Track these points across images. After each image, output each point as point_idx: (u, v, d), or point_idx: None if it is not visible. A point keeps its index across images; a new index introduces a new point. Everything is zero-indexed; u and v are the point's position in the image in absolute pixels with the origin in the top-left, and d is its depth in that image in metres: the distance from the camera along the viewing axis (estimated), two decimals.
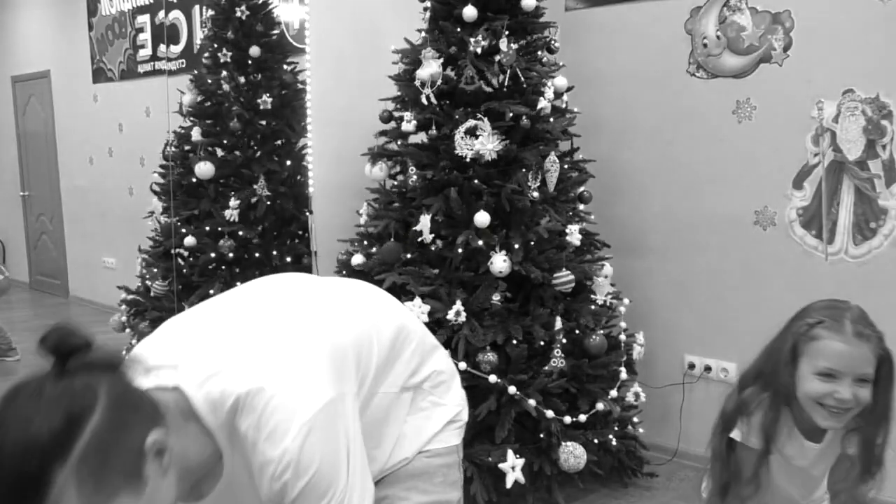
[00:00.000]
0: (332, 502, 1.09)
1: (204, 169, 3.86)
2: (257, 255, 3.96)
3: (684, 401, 3.39)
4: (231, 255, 3.87)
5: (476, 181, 2.89)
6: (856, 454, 1.60)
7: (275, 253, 4.00)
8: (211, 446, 1.06)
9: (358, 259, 3.06)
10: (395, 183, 3.15)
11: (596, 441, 2.95)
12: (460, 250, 2.87)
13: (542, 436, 2.87)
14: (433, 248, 2.95)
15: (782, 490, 1.66)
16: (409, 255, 2.97)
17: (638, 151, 3.46)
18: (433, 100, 2.96)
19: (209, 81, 3.99)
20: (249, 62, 3.99)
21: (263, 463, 1.05)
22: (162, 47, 5.78)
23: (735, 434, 1.60)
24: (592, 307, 3.05)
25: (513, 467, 2.73)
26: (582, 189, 3.19)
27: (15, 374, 4.76)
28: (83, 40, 6.66)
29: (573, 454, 2.80)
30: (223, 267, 3.95)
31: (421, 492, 1.34)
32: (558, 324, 2.90)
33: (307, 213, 3.73)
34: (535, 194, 2.97)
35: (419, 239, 2.93)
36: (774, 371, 1.56)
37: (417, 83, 2.96)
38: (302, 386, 1.08)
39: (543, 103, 2.96)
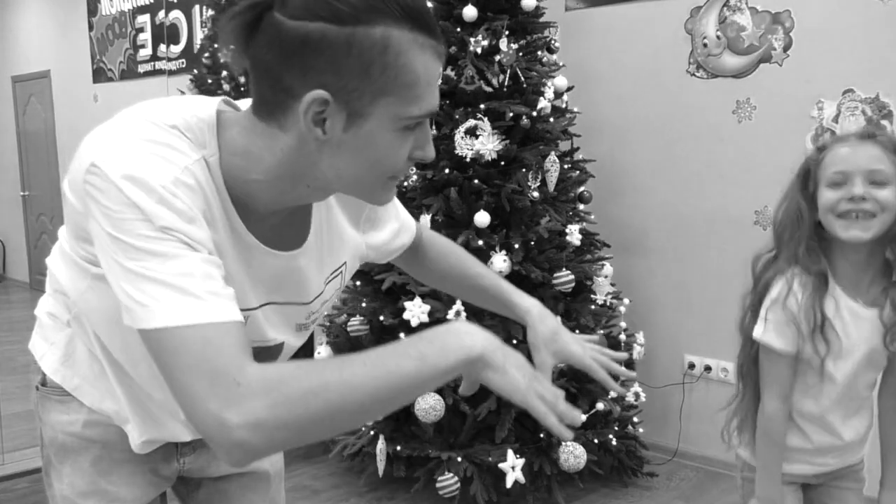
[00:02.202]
0: None
1: None
2: None
3: (684, 401, 3.39)
4: None
5: (476, 181, 2.89)
6: None
7: None
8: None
9: None
10: None
11: (596, 441, 2.95)
12: None
13: (542, 436, 2.88)
14: None
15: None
16: None
17: (638, 151, 3.46)
18: None
19: (209, 81, 3.99)
20: None
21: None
22: (162, 47, 5.77)
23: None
24: (592, 307, 3.04)
25: (513, 467, 2.73)
26: (582, 189, 3.19)
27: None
28: (83, 40, 6.65)
29: (573, 454, 2.80)
30: None
31: None
32: None
33: None
34: (535, 194, 2.97)
35: None
36: (795, 204, 1.53)
37: None
38: None
39: (543, 103, 2.96)
